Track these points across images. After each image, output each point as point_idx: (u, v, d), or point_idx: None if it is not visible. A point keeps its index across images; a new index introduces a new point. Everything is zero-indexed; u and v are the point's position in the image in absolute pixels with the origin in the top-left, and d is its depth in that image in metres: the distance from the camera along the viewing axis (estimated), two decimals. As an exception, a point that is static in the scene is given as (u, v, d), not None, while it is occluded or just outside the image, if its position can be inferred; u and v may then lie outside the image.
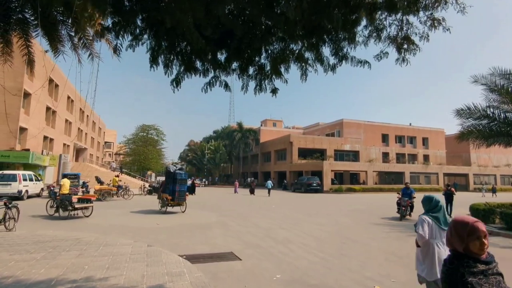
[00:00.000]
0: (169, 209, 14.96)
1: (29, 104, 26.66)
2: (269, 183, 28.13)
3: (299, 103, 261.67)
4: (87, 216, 11.97)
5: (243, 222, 12.04)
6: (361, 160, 42.09)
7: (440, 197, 4.14)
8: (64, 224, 10.55)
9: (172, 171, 15.17)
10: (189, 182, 23.18)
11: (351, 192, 33.77)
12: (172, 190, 14.40)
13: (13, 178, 18.85)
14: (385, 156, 45.38)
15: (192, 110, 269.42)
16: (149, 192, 26.69)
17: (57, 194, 12.23)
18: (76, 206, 11.62)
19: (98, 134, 60.17)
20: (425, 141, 52.01)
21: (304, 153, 43.08)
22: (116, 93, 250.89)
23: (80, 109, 44.91)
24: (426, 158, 49.14)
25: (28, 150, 24.60)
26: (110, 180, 22.72)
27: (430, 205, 3.59)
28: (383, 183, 41.66)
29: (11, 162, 23.46)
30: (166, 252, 6.41)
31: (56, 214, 11.86)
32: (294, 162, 41.73)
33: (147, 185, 28.86)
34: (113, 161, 62.81)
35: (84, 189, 22.40)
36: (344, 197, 28.27)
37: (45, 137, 31.22)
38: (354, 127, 47.65)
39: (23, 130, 26.14)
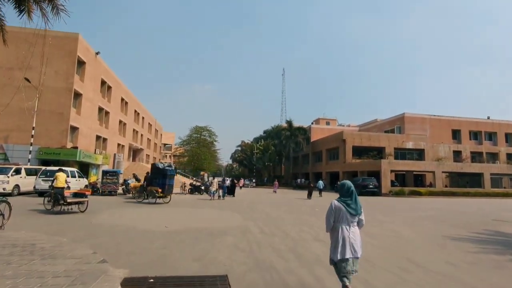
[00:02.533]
0: (192, 208, 13.43)
1: (80, 104, 27.63)
2: (321, 183, 27.41)
3: (356, 103, 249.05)
4: (83, 212, 11.37)
5: (269, 229, 9.79)
6: (427, 160, 36.62)
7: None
8: (58, 222, 9.43)
9: (161, 167, 17.06)
10: (227, 182, 21.54)
11: (415, 195, 29.18)
12: (162, 184, 16.40)
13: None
14: (457, 155, 39.01)
15: (245, 112, 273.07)
16: (190, 192, 25.78)
17: (51, 188, 11.55)
18: (69, 200, 10.83)
19: (155, 136, 62.68)
20: (508, 137, 43.87)
21: (359, 151, 39.06)
22: (174, 97, 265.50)
23: (135, 111, 46.85)
24: (510, 157, 41.31)
25: (76, 148, 25.35)
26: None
27: (342, 191, 3.79)
28: (454, 186, 35.70)
29: (61, 159, 24.31)
30: (111, 275, 4.42)
31: (55, 209, 11.10)
32: (347, 161, 37.99)
33: (188, 183, 28.07)
34: (171, 163, 64.75)
35: (124, 186, 22.17)
36: (407, 202, 24.20)
37: (98, 137, 32.40)
38: (418, 122, 42.04)
39: (74, 129, 27.15)
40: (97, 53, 30.53)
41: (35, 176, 19.00)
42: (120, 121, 39.60)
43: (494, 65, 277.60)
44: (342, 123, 63.42)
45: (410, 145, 39.06)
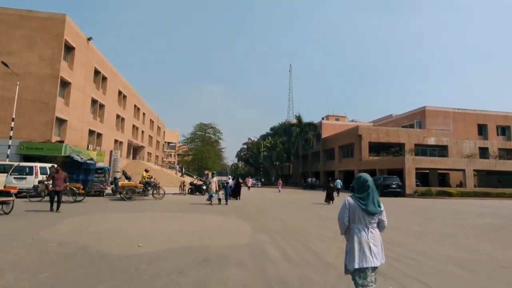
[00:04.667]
0: (187, 214, 10.37)
1: (69, 94, 24.79)
2: (338, 182, 26.29)
3: (363, 101, 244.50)
4: (7, 213, 9.90)
5: (294, 249, 6.72)
6: (450, 157, 33.13)
7: None
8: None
9: (80, 161, 15.78)
10: (230, 181, 18.40)
11: (444, 196, 25.77)
12: (83, 180, 15.34)
13: (30, 171, 16.24)
14: (483, 152, 35.46)
15: (252, 111, 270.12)
16: (191, 192, 22.79)
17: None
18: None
19: (157, 133, 59.94)
20: (541, 132, 40.18)
21: (376, 148, 35.76)
22: (180, 96, 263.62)
23: (135, 105, 44.06)
24: (543, 154, 37.60)
25: (62, 142, 22.50)
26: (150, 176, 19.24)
27: (358, 185, 3.17)
28: (483, 186, 32.17)
29: (45, 154, 21.47)
30: None
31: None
32: (363, 158, 34.68)
33: (188, 182, 25.09)
34: (178, 164, 61.64)
35: (114, 186, 19.26)
36: (441, 204, 20.88)
37: (91, 131, 29.61)
38: (441, 116, 38.52)
39: (62, 121, 24.33)
40: (89, 39, 27.68)
41: (6, 174, 16.18)
42: (118, 116, 36.77)
43: (498, 60, 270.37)
44: (354, 119, 59.96)
45: (432, 141, 35.63)
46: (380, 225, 3.19)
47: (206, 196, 16.17)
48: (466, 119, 38.95)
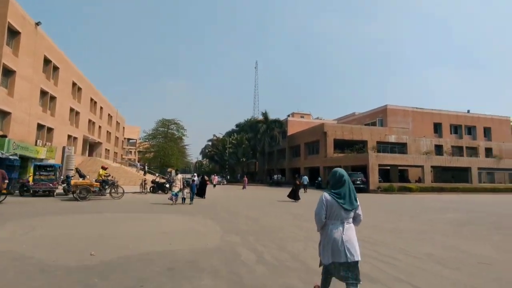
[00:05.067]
0: (149, 214, 9.41)
1: (13, 84, 22.20)
2: (305, 178, 26.48)
3: (327, 98, 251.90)
4: None
5: (270, 250, 6.16)
6: (409, 154, 34.70)
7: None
8: None
9: (1, 156, 14.55)
10: (196, 179, 17.44)
11: (405, 192, 26.80)
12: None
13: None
14: (438, 149, 37.64)
15: (217, 108, 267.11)
16: (153, 190, 21.47)
17: None
18: None
19: (116, 128, 56.58)
20: (486, 131, 43.43)
21: (340, 145, 36.47)
22: (142, 91, 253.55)
23: (91, 99, 41.05)
24: (488, 151, 40.72)
25: (4, 136, 20.05)
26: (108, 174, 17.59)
27: (334, 180, 3.18)
28: (438, 181, 34.10)
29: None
30: None
31: None
32: (329, 155, 35.22)
33: (149, 180, 23.67)
34: (139, 162, 58.56)
35: (66, 184, 17.50)
36: (404, 199, 21.57)
37: (40, 126, 26.91)
38: (400, 114, 40.24)
39: (5, 114, 21.73)
40: (37, 24, 25.03)
41: None
42: (72, 109, 33.91)
43: (454, 63, 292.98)
44: (319, 117, 61.03)
45: (392, 138, 37.11)
46: (356, 220, 3.19)
47: (169, 194, 15.02)
48: (423, 118, 41.11)
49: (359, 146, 34.27)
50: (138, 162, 59.06)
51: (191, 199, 14.82)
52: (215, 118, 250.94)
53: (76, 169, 17.54)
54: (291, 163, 46.22)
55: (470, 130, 43.14)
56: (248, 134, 50.17)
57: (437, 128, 41.84)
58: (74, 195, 14.86)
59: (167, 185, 21.01)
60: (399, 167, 34.11)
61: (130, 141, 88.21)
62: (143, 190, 20.83)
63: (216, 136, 75.94)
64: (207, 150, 75.65)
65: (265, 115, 47.54)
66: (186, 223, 9.30)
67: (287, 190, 30.53)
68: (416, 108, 41.37)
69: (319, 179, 34.47)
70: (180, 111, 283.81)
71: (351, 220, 3.14)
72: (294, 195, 17.39)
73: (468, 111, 43.37)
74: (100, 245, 6.16)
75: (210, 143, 77.60)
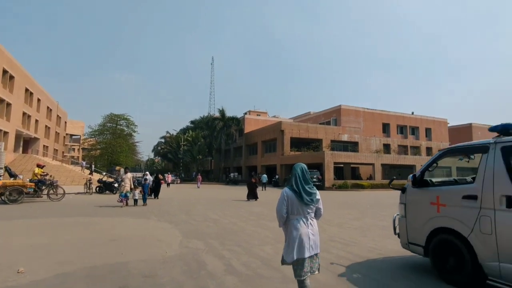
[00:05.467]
0: (94, 218, 8.24)
1: None
2: (264, 177, 26.84)
3: (284, 96, 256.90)
4: None
5: (238, 257, 5.55)
6: (361, 152, 36.32)
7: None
8: None
9: None
10: (148, 178, 16.08)
11: (358, 188, 27.84)
12: None
13: None
14: (386, 148, 40.01)
15: (170, 104, 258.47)
16: (99, 190, 19.57)
17: None
18: None
19: (57, 123, 51.42)
20: (427, 132, 47.13)
21: (297, 144, 36.96)
22: (86, 85, 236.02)
23: (27, 89, 36.64)
24: (429, 151, 44.26)
25: None
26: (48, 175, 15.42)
27: (295, 176, 3.12)
28: (387, 178, 36.11)
29: None
30: None
31: None
32: (286, 153, 35.46)
33: (95, 179, 21.59)
34: (84, 160, 53.64)
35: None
36: (360, 196, 22.23)
37: (-39, 117, 23.22)
38: (353, 115, 41.94)
39: None
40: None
41: None
42: (1, 100, 29.90)
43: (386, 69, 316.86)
44: (276, 115, 61.53)
45: (345, 137, 38.52)
46: (317, 213, 3.21)
47: (118, 195, 13.52)
48: (374, 118, 43.33)
49: (315, 144, 34.98)
50: (83, 160, 54.41)
51: (144, 200, 13.54)
52: (168, 115, 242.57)
53: (6, 167, 15.16)
54: (248, 161, 45.87)
55: (414, 130, 46.53)
56: (204, 131, 48.83)
57: (386, 128, 44.42)
58: (3, 197, 12.80)
59: (116, 185, 19.28)
60: (352, 165, 35.49)
61: (73, 137, 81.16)
62: (88, 191, 18.87)
63: (170, 133, 73.08)
64: (159, 148, 72.50)
65: (222, 112, 46.56)
66: (139, 228, 8.27)
67: (244, 188, 30.05)
68: (367, 108, 43.47)
69: (276, 177, 34.55)
70: (130, 106, 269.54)
71: (313, 214, 3.14)
72: (253, 195, 16.84)
73: (412, 113, 46.75)
74: (31, 259, 5.03)
75: (163, 140, 74.49)
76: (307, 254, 2.98)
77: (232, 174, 41.89)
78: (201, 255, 5.60)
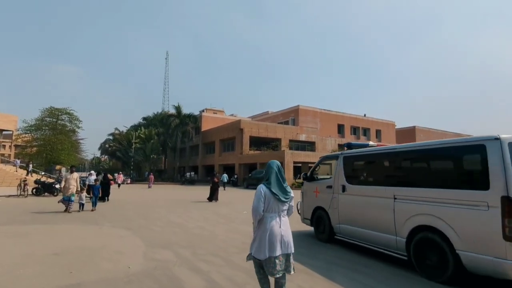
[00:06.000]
0: (29, 226, 6.78)
1: None
2: (225, 176, 26.68)
3: (240, 94, 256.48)
4: None
5: (217, 267, 4.70)
6: (317, 152, 37.08)
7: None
8: None
9: None
10: (92, 177, 14.25)
11: (316, 188, 28.12)
12: None
13: None
14: (341, 148, 41.36)
15: (120, 100, 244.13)
16: (36, 192, 17.13)
17: None
18: None
19: (-17, 116, 45.09)
20: (378, 133, 49.76)
21: (255, 143, 36.52)
22: (21, 76, 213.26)
23: None
24: (378, 151, 46.67)
25: None
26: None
27: (271, 173, 3.14)
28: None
29: None
30: None
31: None
32: (245, 153, 34.82)
33: (31, 180, 18.90)
34: (18, 158, 47.43)
35: None
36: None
37: None
38: (310, 115, 42.67)
39: None
40: None
41: None
42: None
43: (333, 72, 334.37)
44: (234, 114, 60.61)
45: (303, 137, 39.00)
46: (289, 211, 3.22)
47: (61, 199, 11.48)
48: (330, 119, 44.56)
49: (275, 143, 34.85)
50: (17, 158, 48.37)
51: (94, 204, 11.76)
52: (117, 111, 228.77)
53: None
54: (204, 160, 44.44)
55: (366, 131, 48.85)
56: (159, 129, 46.24)
57: (340, 128, 45.96)
58: None
59: (58, 186, 16.99)
60: (310, 164, 35.96)
61: (4, 132, 72.31)
62: (22, 193, 16.35)
63: (119, 130, 68.44)
64: (107, 145, 67.45)
65: (178, 109, 44.46)
66: (90, 237, 6.96)
67: (202, 188, 28.74)
68: (324, 109, 44.56)
69: (235, 176, 33.76)
70: (74, 101, 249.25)
71: (285, 212, 3.14)
72: (212, 196, 15.79)
73: (365, 115, 49.05)
74: None
75: (111, 137, 69.49)
76: (278, 252, 2.95)
77: (188, 174, 40.12)
78: (173, 269, 4.67)
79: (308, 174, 7.41)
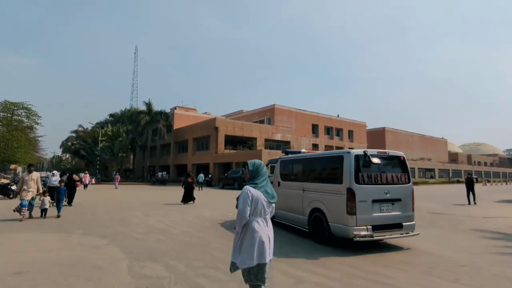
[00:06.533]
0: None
1: None
2: (201, 176, 26.53)
3: (212, 93, 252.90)
4: None
5: (223, 284, 3.98)
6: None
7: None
8: None
9: None
10: (54, 179, 12.60)
11: (294, 187, 27.89)
12: None
13: None
14: (315, 147, 41.62)
15: (81, 94, 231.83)
16: (-12, 194, 15.18)
17: None
18: None
19: None
20: (350, 134, 50.71)
21: (230, 141, 35.68)
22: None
23: None
24: (350, 151, 47.57)
25: None
26: None
27: (255, 172, 2.91)
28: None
29: None
30: None
31: None
32: (220, 151, 33.86)
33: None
34: None
35: None
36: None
37: None
38: (286, 114, 42.49)
39: None
40: None
41: None
42: None
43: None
44: (207, 112, 59.12)
45: (278, 136, 38.74)
46: (272, 213, 2.98)
47: (16, 206, 9.61)
48: (304, 119, 44.66)
49: (251, 143, 34.23)
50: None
51: (59, 209, 10.10)
52: (81, 108, 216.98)
53: None
54: (177, 159, 42.84)
55: (339, 132, 49.60)
56: (127, 126, 43.90)
57: (315, 129, 46.24)
58: None
59: (14, 187, 15.14)
60: (285, 164, 35.73)
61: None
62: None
63: (83, 127, 64.48)
64: (70, 143, 63.33)
65: (148, 105, 42.45)
66: (59, 248, 5.88)
67: (175, 189, 27.49)
68: (299, 109, 44.60)
69: (210, 176, 32.70)
70: (32, 95, 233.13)
71: (269, 215, 2.91)
72: (190, 197, 14.67)
73: (338, 115, 49.79)
74: None
75: (74, 134, 65.36)
76: (267, 259, 2.77)
77: (160, 174, 38.39)
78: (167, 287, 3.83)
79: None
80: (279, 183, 8.19)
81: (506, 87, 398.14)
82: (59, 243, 6.27)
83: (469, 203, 15.11)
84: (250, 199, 2.75)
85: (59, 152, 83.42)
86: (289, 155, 8.54)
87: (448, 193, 25.37)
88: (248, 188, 2.80)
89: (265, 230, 2.79)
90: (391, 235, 5.91)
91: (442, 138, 70.12)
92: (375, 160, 6.31)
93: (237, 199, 2.90)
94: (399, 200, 6.04)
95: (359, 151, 6.06)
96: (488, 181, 50.34)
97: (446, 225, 9.13)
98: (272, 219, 7.91)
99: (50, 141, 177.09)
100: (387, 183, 6.01)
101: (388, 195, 5.93)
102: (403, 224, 5.98)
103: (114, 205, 13.72)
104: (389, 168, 6.30)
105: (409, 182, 6.23)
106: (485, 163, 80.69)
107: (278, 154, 31.06)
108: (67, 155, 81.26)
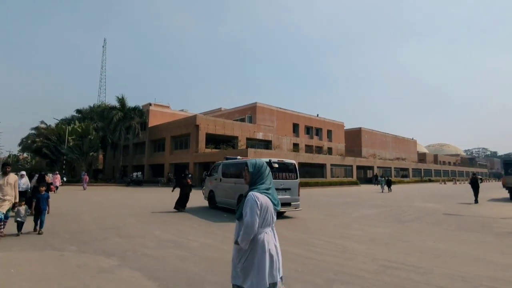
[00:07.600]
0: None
1: None
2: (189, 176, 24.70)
3: (189, 91, 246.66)
4: None
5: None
6: (274, 150, 36.16)
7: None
8: None
9: None
10: (22, 181, 10.34)
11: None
12: None
13: None
14: (296, 147, 41.12)
15: (39, 88, 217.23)
16: None
17: None
18: None
19: None
20: (329, 133, 50.82)
21: (210, 140, 34.16)
22: None
23: None
24: (330, 151, 47.78)
25: None
26: None
27: (259, 174, 2.44)
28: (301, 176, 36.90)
29: None
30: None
31: None
32: (201, 151, 32.26)
33: None
34: None
35: None
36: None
37: None
38: (267, 113, 41.53)
39: None
40: None
41: None
42: None
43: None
44: (184, 109, 56.71)
45: (260, 135, 37.80)
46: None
47: None
48: (286, 118, 43.98)
49: (234, 142, 32.98)
50: None
51: (42, 223, 7.60)
52: (42, 104, 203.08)
53: None
54: (152, 159, 40.53)
55: (318, 131, 49.54)
56: (97, 123, 40.83)
57: (295, 128, 45.77)
58: None
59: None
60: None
61: None
62: None
63: (46, 124, 59.55)
64: (30, 141, 58.17)
65: (121, 101, 39.71)
66: (55, 275, 4.44)
67: (153, 190, 25.87)
68: (280, 108, 43.90)
69: (190, 176, 30.94)
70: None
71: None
72: (186, 201, 12.75)
73: (317, 115, 49.74)
74: None
75: (35, 132, 60.18)
76: (280, 275, 2.38)
77: (135, 174, 35.93)
78: None
79: (208, 172, 13.82)
80: (221, 179, 12.00)
81: (460, 92, 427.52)
82: (52, 267, 4.81)
83: (477, 202, 15.21)
84: (259, 207, 2.29)
85: (16, 150, 76.90)
86: (228, 160, 12.07)
87: (437, 192, 25.73)
88: (255, 194, 2.33)
89: (273, 242, 2.38)
90: (286, 209, 10.13)
91: (412, 139, 72.80)
92: (275, 165, 9.74)
93: (237, 209, 2.48)
94: (289, 189, 10.13)
95: (263, 159, 7.58)
96: (444, 181, 52.82)
97: (478, 228, 8.58)
98: (216, 204, 12.49)
99: (6, 140, 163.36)
100: (283, 179, 10.08)
101: (282, 185, 9.92)
102: (292, 203, 10.11)
103: (99, 210, 11.99)
104: (285, 170, 10.28)
105: (296, 179, 10.42)
106: (449, 163, 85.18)
107: (263, 153, 30.15)
108: (26, 154, 75.19)
